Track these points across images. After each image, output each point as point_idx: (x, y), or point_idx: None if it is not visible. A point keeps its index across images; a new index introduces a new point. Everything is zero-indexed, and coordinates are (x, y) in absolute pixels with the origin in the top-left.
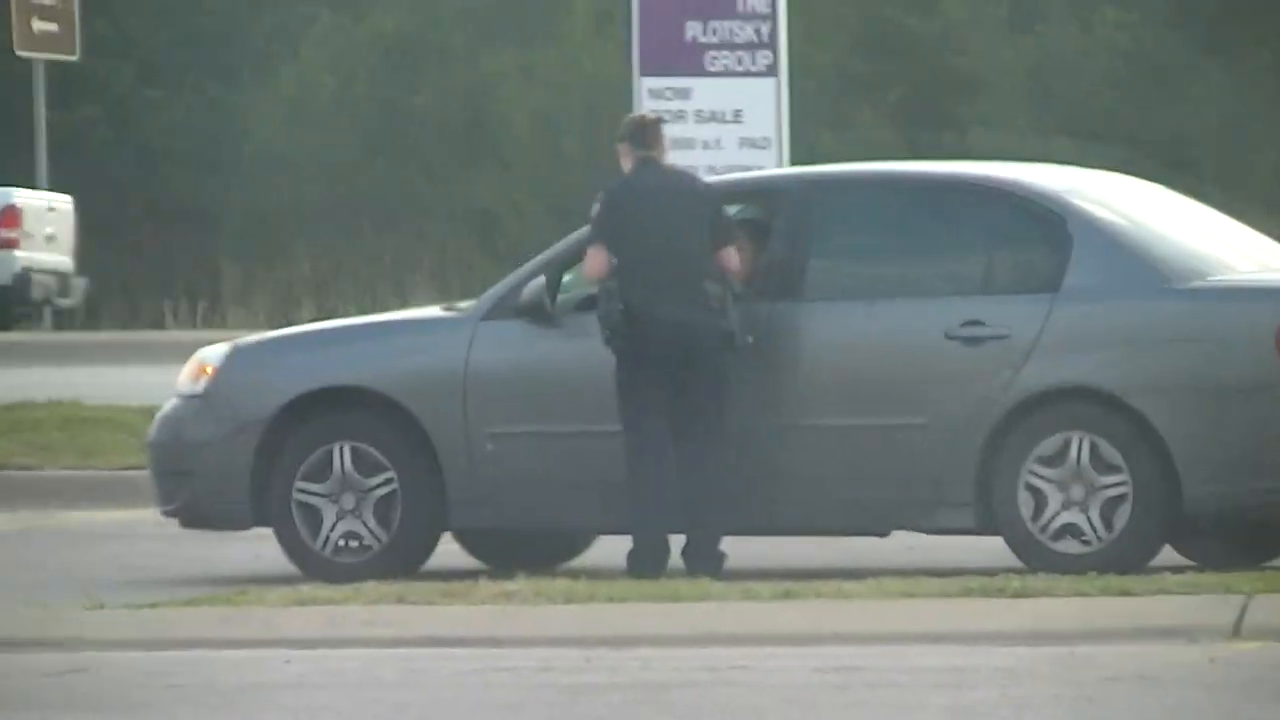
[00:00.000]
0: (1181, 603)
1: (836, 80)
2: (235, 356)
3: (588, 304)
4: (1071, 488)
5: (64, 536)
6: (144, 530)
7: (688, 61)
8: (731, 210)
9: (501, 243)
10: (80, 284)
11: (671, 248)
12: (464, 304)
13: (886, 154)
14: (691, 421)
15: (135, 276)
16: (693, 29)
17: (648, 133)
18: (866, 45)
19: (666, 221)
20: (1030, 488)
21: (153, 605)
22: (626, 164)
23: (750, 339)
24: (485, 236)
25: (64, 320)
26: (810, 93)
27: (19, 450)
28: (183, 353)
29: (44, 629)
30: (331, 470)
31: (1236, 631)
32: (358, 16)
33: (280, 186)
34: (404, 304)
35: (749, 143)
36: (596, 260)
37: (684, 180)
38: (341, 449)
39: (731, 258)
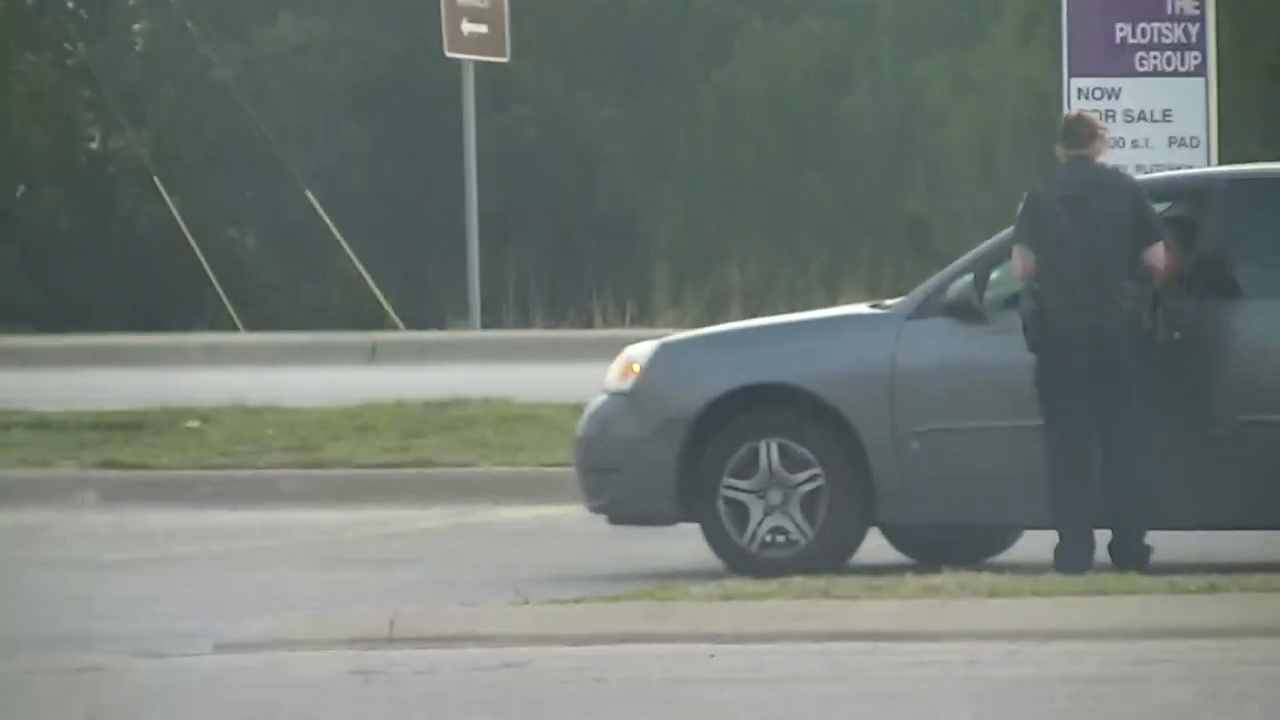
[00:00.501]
0: None
1: (1269, 79)
2: (663, 354)
3: (1015, 301)
4: None
5: (494, 533)
6: (570, 527)
7: (1117, 62)
8: (1159, 208)
9: (932, 248)
10: None
11: (1089, 247)
12: (891, 302)
13: None
14: (1112, 418)
15: (565, 277)
16: (1122, 30)
17: (1077, 131)
18: None
19: (1086, 220)
20: None
21: (579, 601)
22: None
23: (1176, 336)
24: (916, 243)
25: (495, 319)
26: (1241, 93)
27: (452, 447)
28: (611, 351)
29: (474, 625)
30: (759, 466)
31: None
32: (787, 19)
33: (711, 191)
34: (833, 306)
35: (1178, 142)
36: (1020, 259)
37: (1108, 178)
38: (768, 445)
39: (1158, 255)
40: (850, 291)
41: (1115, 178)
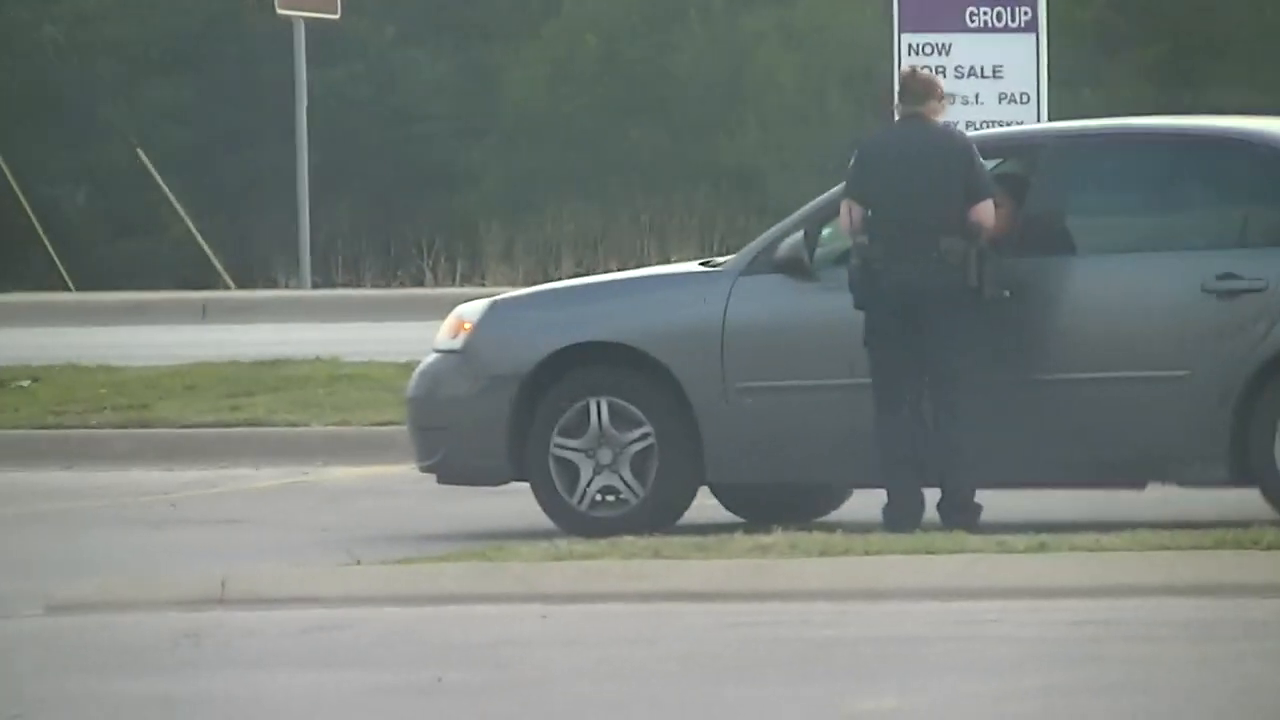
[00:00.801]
0: None
1: (1096, 37)
2: (493, 312)
3: (845, 258)
4: None
5: (324, 493)
6: (402, 486)
7: (948, 17)
8: (989, 165)
9: (764, 202)
10: None
11: (916, 203)
12: (722, 259)
13: (1146, 110)
14: (939, 376)
15: (396, 235)
16: None
17: (911, 88)
18: (1127, 2)
19: (912, 177)
20: None
21: (409, 561)
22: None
23: (1006, 294)
24: (747, 195)
25: (325, 277)
26: (1071, 49)
27: (282, 407)
28: (442, 309)
29: (305, 586)
30: (589, 425)
31: None
32: None
33: (541, 146)
34: (666, 262)
35: (1008, 98)
36: (847, 214)
37: (937, 135)
38: (599, 404)
39: (987, 212)
40: (681, 243)
41: (945, 134)
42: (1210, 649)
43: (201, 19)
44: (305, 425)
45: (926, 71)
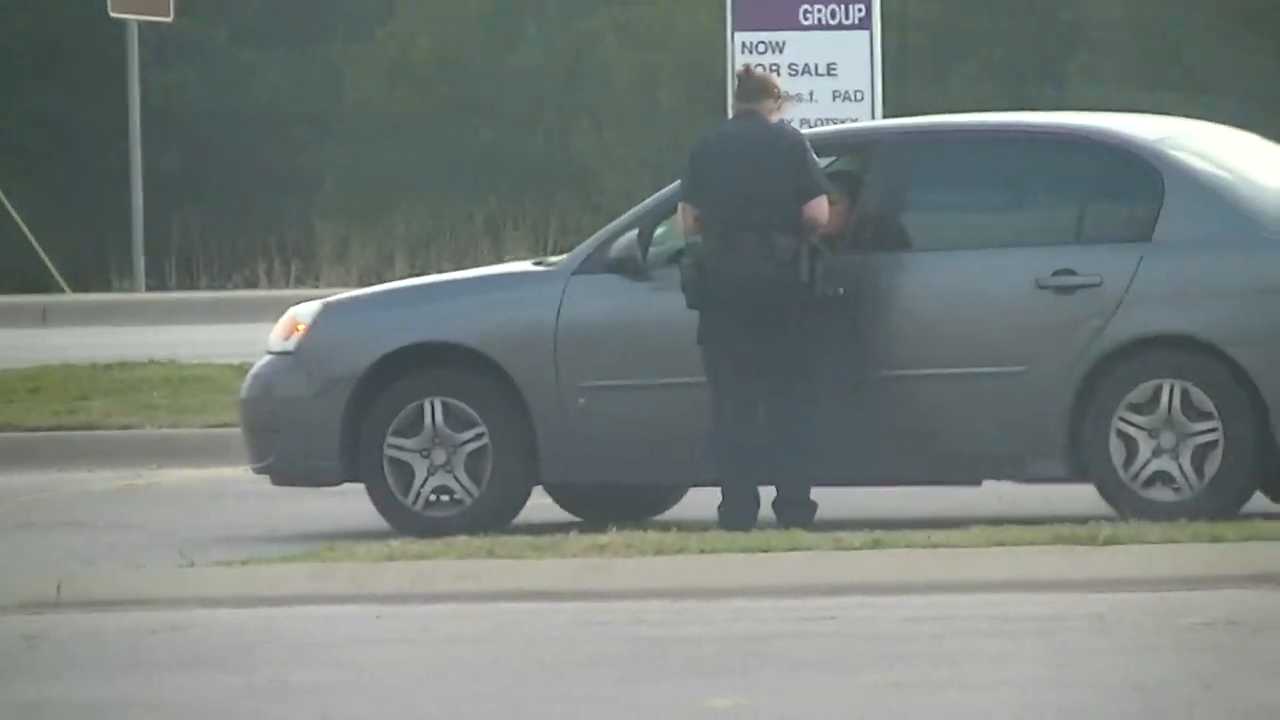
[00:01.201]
0: (1273, 549)
1: (938, 35)
2: (327, 313)
3: (679, 257)
4: (1162, 435)
5: (160, 495)
6: (237, 488)
7: (781, 15)
8: (824, 163)
9: (599, 200)
10: None
11: (746, 201)
12: (555, 259)
13: (983, 108)
14: (774, 374)
15: (231, 237)
16: None
17: (746, 86)
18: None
19: (744, 174)
20: (1122, 435)
21: (244, 562)
22: None
23: (841, 290)
24: (583, 195)
25: (160, 280)
26: (912, 47)
27: (117, 410)
28: (277, 311)
29: (140, 588)
30: (423, 425)
31: None
32: None
33: (378, 147)
34: (500, 262)
35: (842, 95)
36: (683, 215)
37: (769, 133)
38: (433, 404)
39: (820, 209)
40: (515, 242)
41: (778, 132)
42: (1053, 643)
43: (35, 22)
44: (139, 428)
45: (761, 70)
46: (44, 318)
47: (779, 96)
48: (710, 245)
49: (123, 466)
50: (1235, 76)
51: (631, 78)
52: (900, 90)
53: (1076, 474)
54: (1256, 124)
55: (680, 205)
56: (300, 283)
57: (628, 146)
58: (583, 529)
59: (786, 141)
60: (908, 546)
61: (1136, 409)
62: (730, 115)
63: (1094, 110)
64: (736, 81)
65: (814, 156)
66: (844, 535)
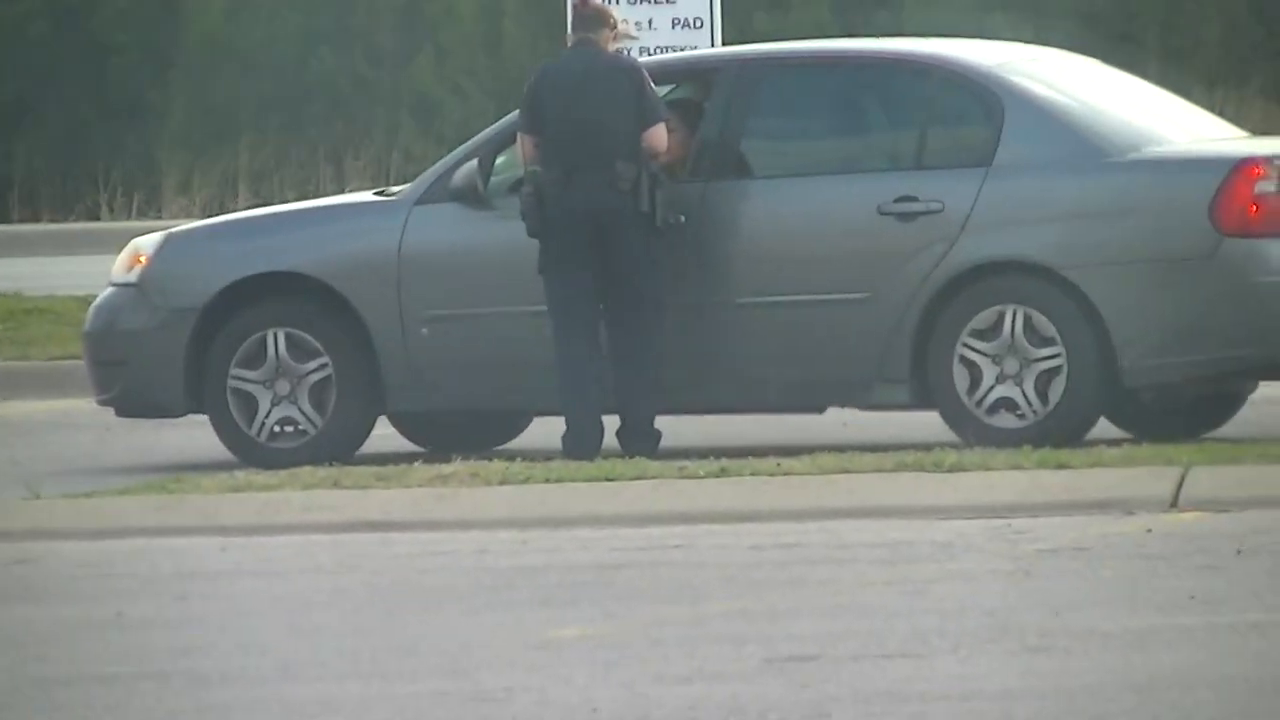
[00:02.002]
0: (1118, 475)
1: None
2: (168, 245)
3: (520, 186)
4: (1006, 361)
5: (4, 428)
6: (81, 420)
7: None
8: (664, 91)
9: (443, 128)
10: None
11: (585, 129)
12: (397, 189)
13: (822, 34)
14: (617, 303)
15: (74, 169)
16: None
17: (582, 16)
18: None
19: (582, 103)
20: (965, 361)
21: (89, 495)
22: None
23: (682, 218)
24: (426, 122)
25: (1, 213)
26: None
27: None
28: (121, 243)
29: None
30: (266, 357)
31: (1174, 503)
32: None
33: (222, 76)
34: (344, 191)
35: (682, 23)
36: (523, 144)
37: (607, 61)
38: (276, 335)
39: (659, 137)
40: (358, 173)
41: (615, 60)
42: (900, 570)
43: None
44: None
45: (598, 0)
46: None
47: (615, 26)
48: (550, 174)
49: None
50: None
51: (474, 7)
52: (738, 18)
53: (921, 401)
54: (1094, 49)
55: (520, 135)
56: (143, 215)
57: (470, 75)
58: (427, 459)
59: (624, 70)
60: (753, 475)
61: (980, 335)
62: (568, 45)
63: (930, 36)
64: (572, 11)
65: (652, 85)
66: (689, 464)
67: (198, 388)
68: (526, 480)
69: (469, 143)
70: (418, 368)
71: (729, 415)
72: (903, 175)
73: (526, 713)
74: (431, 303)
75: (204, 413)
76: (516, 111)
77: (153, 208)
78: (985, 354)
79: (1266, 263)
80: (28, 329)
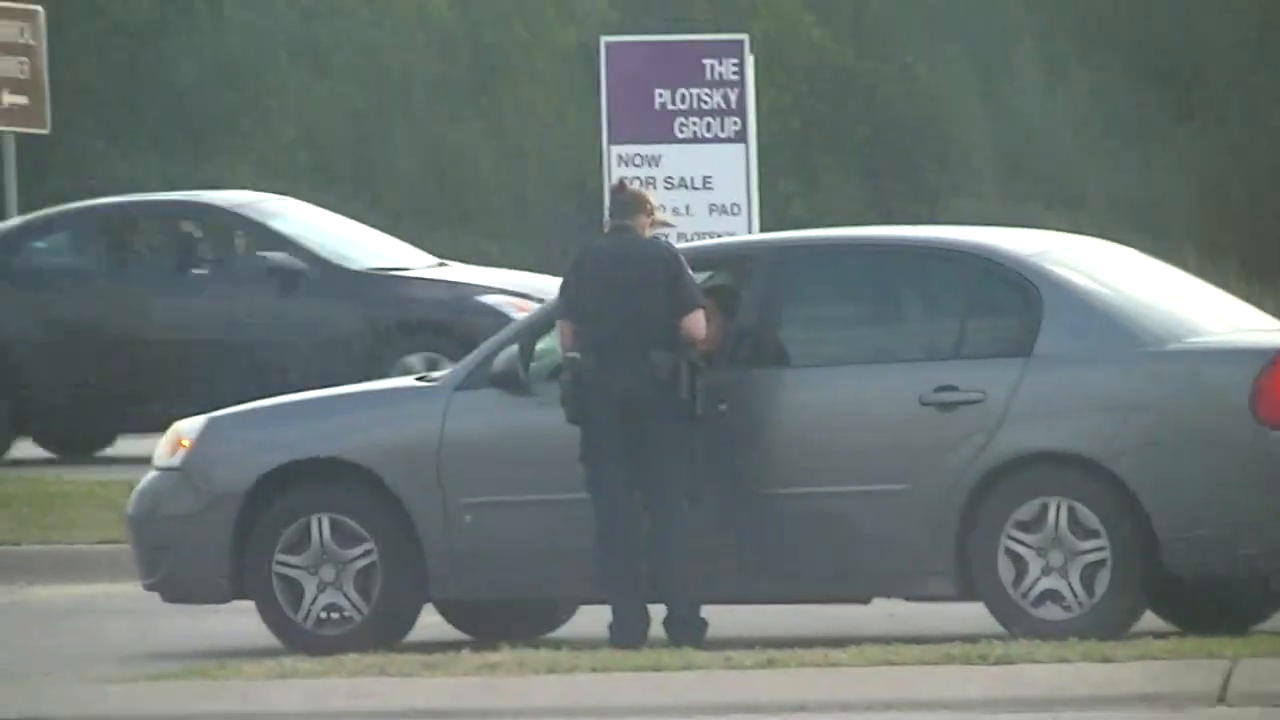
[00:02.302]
0: (1164, 668)
1: (807, 147)
2: (212, 429)
3: (560, 372)
4: (1051, 553)
5: (46, 611)
6: (125, 605)
7: (657, 128)
8: (701, 277)
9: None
10: None
11: (624, 317)
12: (438, 374)
13: (858, 220)
14: (656, 491)
15: None
16: (661, 96)
17: (619, 201)
18: (838, 112)
19: (620, 290)
20: (1010, 553)
21: (134, 679)
22: None
23: (722, 407)
24: None
25: None
26: (781, 159)
27: (1, 524)
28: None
29: (31, 705)
30: (310, 542)
31: (1222, 697)
32: (328, 87)
33: None
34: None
35: (719, 209)
36: (562, 331)
37: (644, 247)
38: (320, 521)
39: (697, 324)
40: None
41: (653, 247)
42: None
43: None
44: (19, 544)
45: (636, 185)
46: None
47: (652, 211)
48: (589, 360)
49: (4, 582)
50: (1104, 189)
51: (503, 190)
52: (775, 204)
53: (966, 592)
54: (1130, 239)
55: (559, 322)
56: None
57: (504, 259)
58: (474, 647)
59: (661, 257)
60: (800, 665)
61: (1024, 527)
62: (605, 230)
63: (964, 224)
64: (609, 197)
65: (689, 271)
66: (735, 654)
67: (243, 573)
68: (573, 669)
69: (509, 328)
70: (461, 555)
71: (775, 605)
72: (943, 365)
73: None
74: (474, 489)
75: (249, 598)
76: (554, 299)
77: None
78: (1030, 546)
79: None
80: (72, 513)
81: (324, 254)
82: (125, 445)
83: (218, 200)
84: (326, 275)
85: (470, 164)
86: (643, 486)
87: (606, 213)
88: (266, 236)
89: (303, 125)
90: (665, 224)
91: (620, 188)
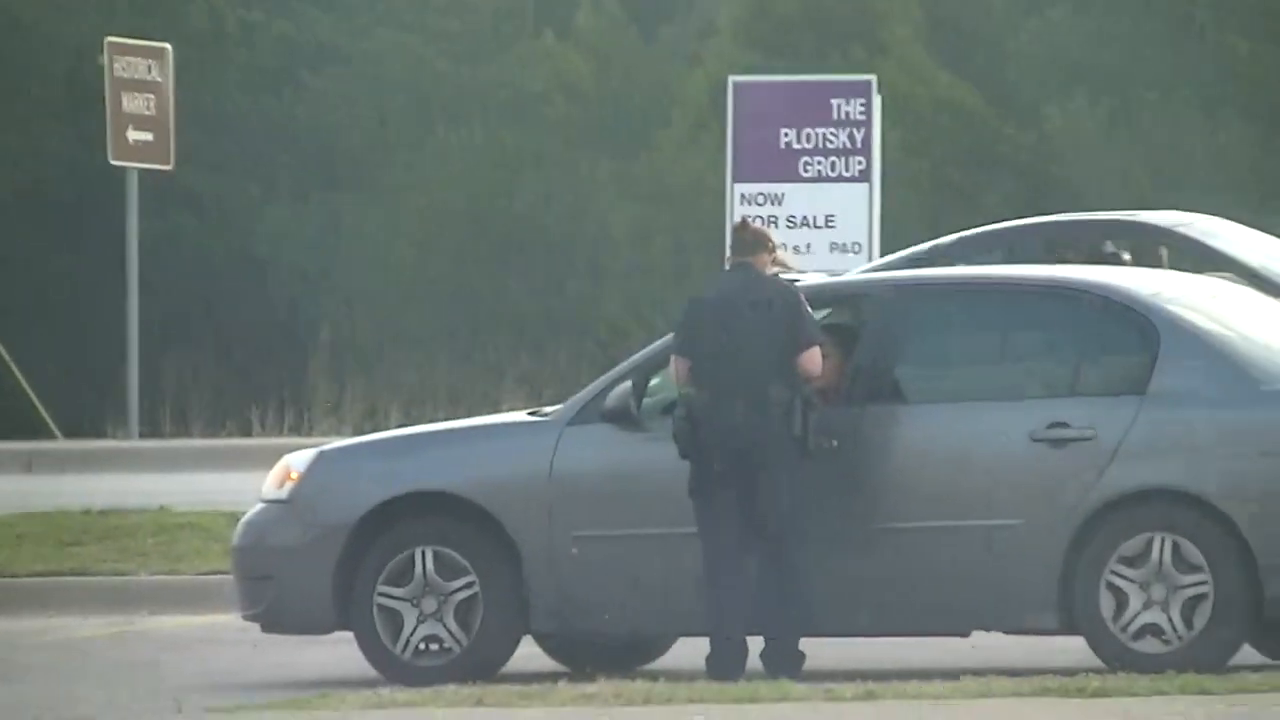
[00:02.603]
0: (1261, 700)
1: (933, 188)
2: (320, 462)
3: (673, 408)
4: (1153, 587)
5: (152, 642)
6: (228, 635)
7: (782, 167)
8: (819, 315)
9: (596, 352)
10: None
11: (741, 353)
12: (550, 409)
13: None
14: (765, 524)
15: (225, 384)
16: (787, 135)
17: (742, 239)
18: (964, 153)
19: (739, 326)
20: (1112, 587)
21: (233, 710)
22: None
23: (835, 443)
24: (580, 346)
25: (154, 428)
26: (907, 201)
27: (110, 556)
28: (270, 459)
29: None
30: (413, 574)
31: None
32: (460, 125)
33: (375, 298)
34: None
35: (839, 247)
36: (677, 366)
37: (765, 284)
38: (424, 553)
39: (814, 361)
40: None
41: (772, 284)
42: None
43: (48, 169)
44: (131, 574)
45: (758, 223)
46: (29, 466)
47: (773, 249)
48: (703, 397)
49: (114, 613)
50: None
51: (629, 230)
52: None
53: (1066, 626)
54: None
55: (674, 357)
56: (294, 431)
57: (623, 302)
58: (570, 678)
59: (780, 294)
60: (897, 698)
61: (1128, 562)
62: (726, 268)
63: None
64: (731, 234)
65: (808, 308)
66: (834, 686)
67: (345, 604)
68: (669, 701)
69: (622, 364)
70: (566, 589)
71: (873, 638)
72: (1055, 402)
73: None
74: (581, 524)
75: (350, 629)
76: (671, 334)
77: (303, 424)
78: (1132, 580)
79: None
80: (177, 544)
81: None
82: None
83: (1150, 219)
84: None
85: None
86: (751, 521)
87: (728, 249)
88: (1204, 254)
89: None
90: (785, 265)
91: (743, 225)
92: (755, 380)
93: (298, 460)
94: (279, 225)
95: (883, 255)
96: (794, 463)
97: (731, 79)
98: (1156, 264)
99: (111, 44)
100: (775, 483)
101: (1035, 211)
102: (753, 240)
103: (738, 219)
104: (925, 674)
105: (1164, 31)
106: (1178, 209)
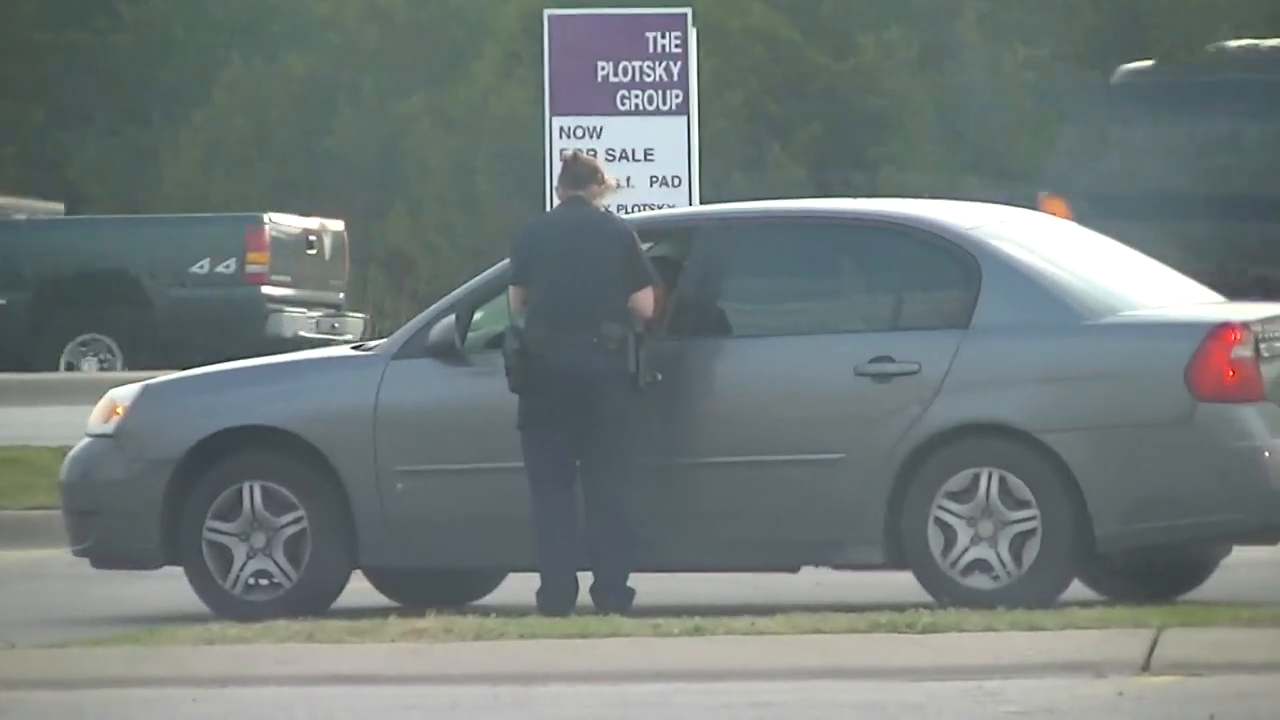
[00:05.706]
0: (1090, 637)
1: (748, 120)
2: (146, 396)
3: (498, 342)
4: (980, 523)
5: None
6: (55, 570)
7: (599, 101)
8: (645, 247)
9: (415, 284)
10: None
11: (573, 287)
12: (374, 343)
13: (798, 193)
14: (594, 460)
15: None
16: (604, 68)
17: (573, 172)
18: (778, 85)
19: (571, 261)
20: (939, 523)
21: (62, 644)
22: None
23: (659, 377)
24: (398, 278)
25: None
26: (722, 132)
27: None
28: (96, 393)
29: None
30: (242, 509)
31: (1146, 665)
32: (269, 59)
33: None
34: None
35: (660, 181)
36: (514, 295)
37: (597, 220)
38: (252, 488)
39: (647, 301)
40: None
41: (606, 221)
42: None
43: None
44: None
45: (589, 156)
46: None
47: (604, 182)
48: (537, 331)
49: None
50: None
51: (445, 163)
52: (715, 176)
53: (895, 561)
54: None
55: (510, 287)
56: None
57: (442, 234)
58: (401, 613)
59: (616, 230)
60: (727, 633)
61: (954, 497)
62: (556, 201)
63: (903, 196)
64: (562, 167)
65: (641, 248)
66: (663, 621)
67: (174, 539)
68: (500, 636)
69: (446, 298)
70: (393, 523)
71: (703, 573)
72: (879, 336)
73: None
74: (407, 458)
75: (179, 564)
76: (492, 269)
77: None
78: (960, 516)
79: (1242, 428)
80: (2, 479)
81: None
82: None
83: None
84: None
85: (413, 138)
86: (582, 455)
87: (558, 182)
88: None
89: (243, 99)
90: (614, 190)
91: (575, 159)
92: (589, 317)
93: (123, 394)
94: (93, 158)
95: (702, 189)
96: (626, 398)
97: (547, 12)
98: None
99: None
100: (609, 418)
101: (848, 145)
102: (584, 173)
103: (568, 153)
104: (757, 610)
105: None
106: (995, 132)
